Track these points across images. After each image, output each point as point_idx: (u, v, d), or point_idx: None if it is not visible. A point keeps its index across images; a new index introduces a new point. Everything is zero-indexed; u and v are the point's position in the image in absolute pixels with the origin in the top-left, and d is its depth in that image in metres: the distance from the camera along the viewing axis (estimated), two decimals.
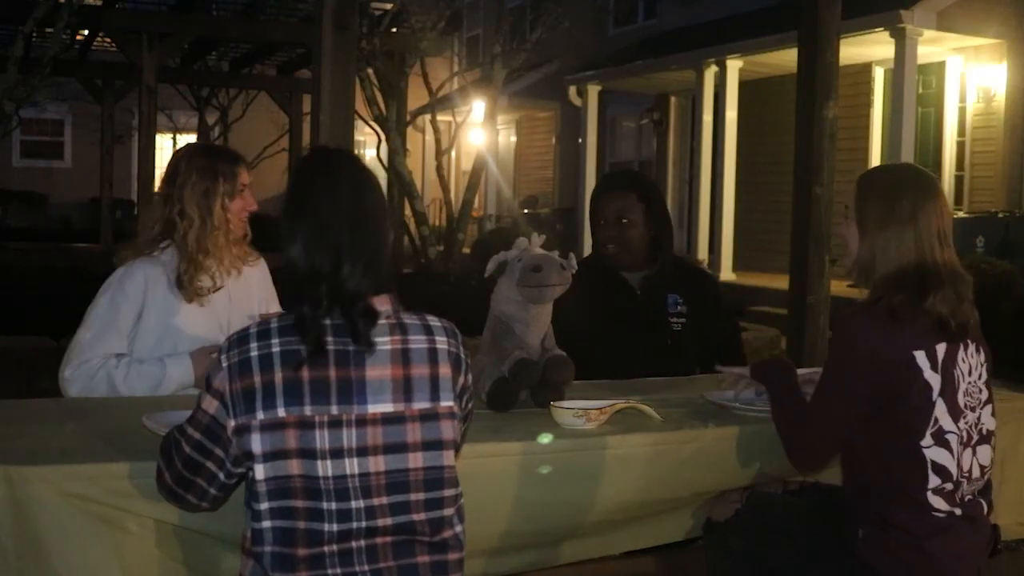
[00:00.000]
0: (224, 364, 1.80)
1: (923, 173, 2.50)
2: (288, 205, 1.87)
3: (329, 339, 1.79)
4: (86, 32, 13.36)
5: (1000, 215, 10.19)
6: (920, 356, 2.27)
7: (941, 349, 2.29)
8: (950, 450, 2.30)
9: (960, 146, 11.58)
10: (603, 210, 3.45)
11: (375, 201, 1.89)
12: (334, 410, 1.76)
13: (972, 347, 2.37)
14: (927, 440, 2.29)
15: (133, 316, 2.85)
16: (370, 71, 10.93)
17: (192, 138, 18.48)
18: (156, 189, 3.03)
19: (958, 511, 2.32)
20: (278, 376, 1.76)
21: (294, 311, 1.81)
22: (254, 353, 1.78)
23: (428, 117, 13.35)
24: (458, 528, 1.88)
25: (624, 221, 3.40)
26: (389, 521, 1.79)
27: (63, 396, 2.81)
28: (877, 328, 2.28)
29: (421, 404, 1.82)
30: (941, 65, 11.66)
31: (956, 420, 2.31)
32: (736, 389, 2.67)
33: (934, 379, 2.28)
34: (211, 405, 1.81)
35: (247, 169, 2.99)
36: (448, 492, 1.85)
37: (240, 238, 2.99)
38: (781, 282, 6.54)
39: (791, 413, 2.43)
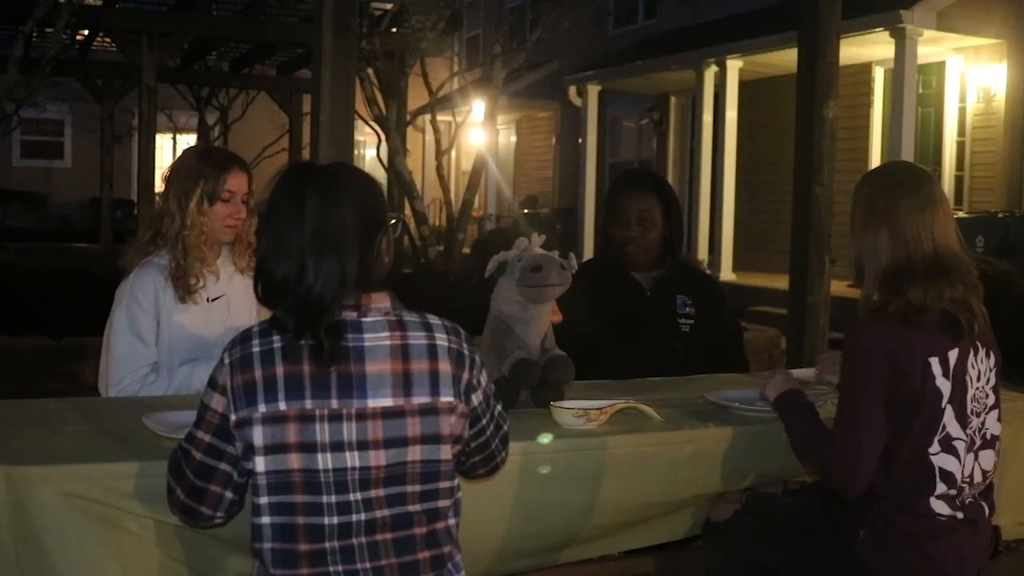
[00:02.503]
0: (226, 361, 1.82)
1: (909, 170, 2.49)
2: (261, 216, 1.89)
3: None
4: (86, 32, 13.36)
5: (1000, 215, 10.19)
6: (934, 363, 2.25)
7: (953, 355, 2.28)
8: (957, 457, 2.29)
9: (960, 146, 11.57)
10: (624, 209, 3.40)
11: (344, 215, 1.84)
12: (334, 404, 1.78)
13: (983, 351, 2.35)
14: (935, 447, 2.28)
15: (152, 323, 2.87)
16: (370, 71, 10.93)
17: (192, 138, 18.50)
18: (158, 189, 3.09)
19: (960, 514, 2.31)
20: (279, 370, 1.78)
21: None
22: (256, 349, 1.80)
23: (428, 117, 13.35)
24: (451, 521, 1.89)
25: (647, 222, 3.38)
26: (387, 512, 1.80)
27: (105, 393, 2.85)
28: (892, 336, 2.25)
29: (421, 399, 1.83)
30: (941, 65, 11.66)
31: (964, 427, 2.30)
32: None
33: (944, 386, 2.27)
34: (219, 403, 1.82)
35: (245, 176, 2.97)
36: (443, 484, 1.86)
37: (234, 241, 2.99)
38: (781, 282, 6.54)
39: (819, 440, 2.36)
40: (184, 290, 2.88)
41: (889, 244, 2.30)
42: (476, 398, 1.93)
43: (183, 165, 2.95)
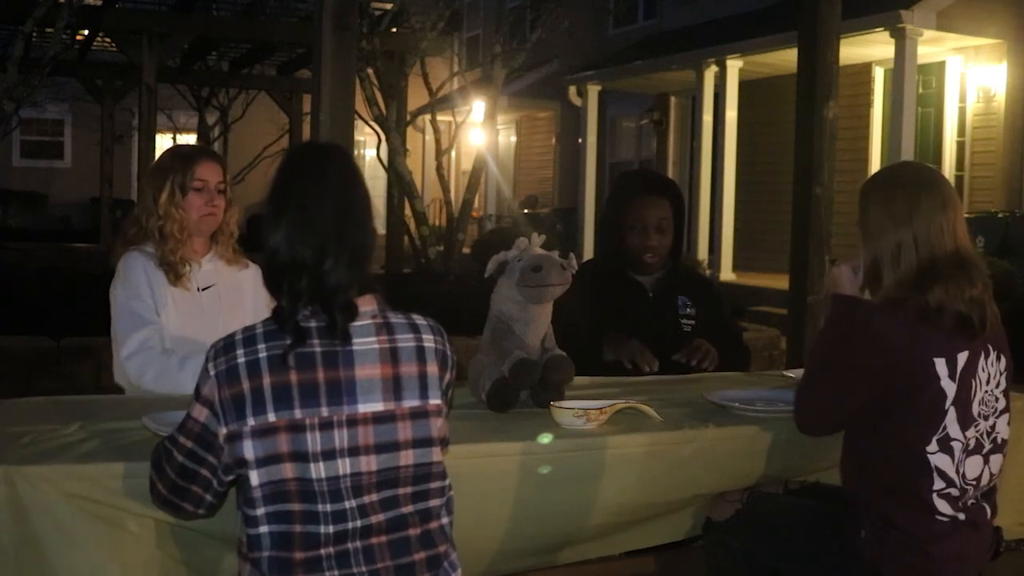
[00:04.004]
0: (212, 372, 1.79)
1: (918, 169, 2.48)
2: (273, 193, 1.86)
3: (315, 341, 1.79)
4: (86, 32, 13.34)
5: (1000, 215, 10.19)
6: (940, 364, 2.24)
7: (962, 357, 2.26)
8: (952, 457, 2.29)
9: (960, 146, 11.57)
10: (642, 216, 3.37)
11: (363, 197, 1.88)
12: (324, 412, 1.76)
13: (993, 355, 2.33)
14: (932, 446, 2.27)
15: (148, 291, 2.92)
16: (370, 71, 10.92)
17: (192, 138, 18.50)
18: None
19: (962, 516, 2.31)
20: (266, 381, 1.75)
21: (275, 305, 1.82)
22: (241, 360, 1.77)
23: (428, 117, 13.35)
24: (444, 520, 1.89)
25: (663, 229, 3.39)
26: (382, 517, 1.80)
27: (126, 383, 2.88)
28: (900, 329, 2.25)
29: (411, 402, 1.82)
30: (941, 65, 11.65)
31: (965, 429, 2.29)
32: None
33: (950, 387, 2.25)
34: (201, 413, 1.81)
35: (216, 166, 3.03)
36: (434, 484, 1.86)
37: (215, 232, 3.05)
38: (781, 282, 6.54)
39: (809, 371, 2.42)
40: (174, 275, 2.94)
41: (913, 246, 2.28)
42: (450, 394, 1.94)
43: (156, 163, 3.07)
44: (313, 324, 1.79)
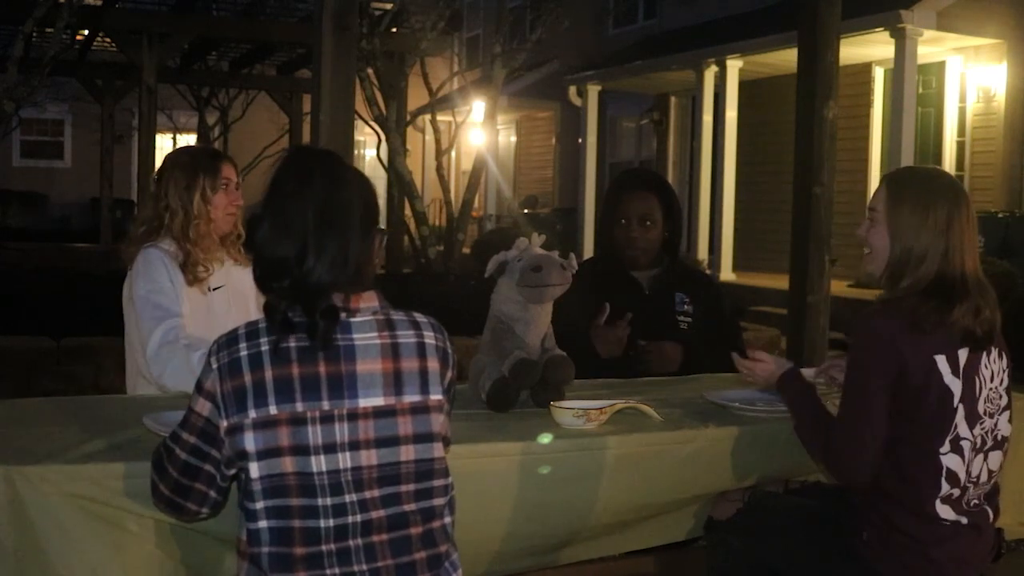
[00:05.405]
0: (214, 366, 1.80)
1: (957, 183, 2.49)
2: (264, 195, 1.88)
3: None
4: (86, 32, 13.34)
5: (1000, 215, 10.18)
6: (941, 360, 2.25)
7: (963, 354, 2.27)
8: (962, 456, 2.29)
9: (960, 146, 11.57)
10: (627, 210, 3.42)
11: (347, 201, 1.86)
12: (325, 405, 1.77)
13: (995, 352, 2.35)
14: (945, 446, 2.27)
15: (171, 285, 2.93)
16: (370, 71, 10.92)
17: (192, 138, 18.50)
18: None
19: (964, 519, 2.31)
20: (268, 374, 1.77)
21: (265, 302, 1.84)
22: (243, 353, 1.79)
23: (428, 117, 13.36)
24: (446, 519, 1.89)
25: (648, 223, 3.40)
26: (383, 513, 1.80)
27: (155, 380, 2.86)
28: (899, 330, 2.25)
29: (412, 397, 1.83)
30: (941, 65, 11.65)
31: (972, 427, 2.29)
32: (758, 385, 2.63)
33: (955, 384, 2.26)
34: (204, 407, 1.82)
35: (233, 166, 3.11)
36: (437, 482, 1.86)
37: (227, 233, 3.09)
38: (781, 282, 6.54)
39: (822, 431, 2.37)
40: (194, 276, 2.97)
41: (940, 256, 2.29)
42: (452, 392, 1.95)
43: (177, 163, 3.08)
44: (306, 319, 1.80)
